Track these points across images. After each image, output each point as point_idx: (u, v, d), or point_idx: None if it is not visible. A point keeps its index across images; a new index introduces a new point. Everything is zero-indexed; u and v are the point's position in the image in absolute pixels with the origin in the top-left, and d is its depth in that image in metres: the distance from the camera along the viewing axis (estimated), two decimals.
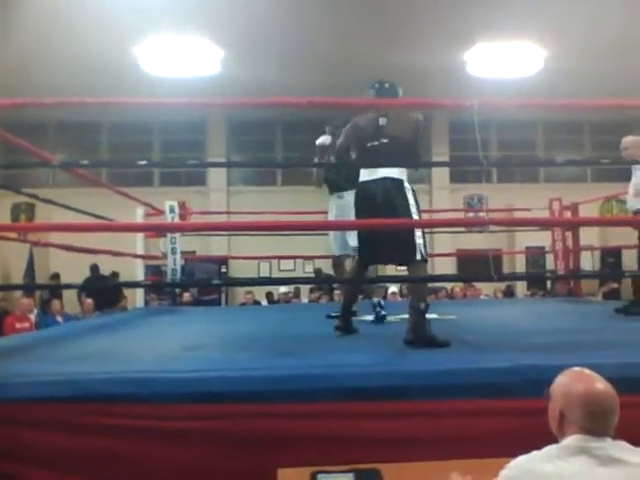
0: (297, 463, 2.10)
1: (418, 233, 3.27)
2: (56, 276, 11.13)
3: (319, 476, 1.99)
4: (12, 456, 2.22)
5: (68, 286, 10.84)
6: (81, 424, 2.25)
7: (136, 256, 6.59)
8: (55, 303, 8.59)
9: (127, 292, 9.59)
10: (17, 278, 11.34)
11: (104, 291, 9.63)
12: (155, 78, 9.79)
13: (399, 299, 8.76)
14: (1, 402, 2.26)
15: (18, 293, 9.87)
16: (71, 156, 12.04)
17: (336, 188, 4.80)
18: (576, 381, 1.69)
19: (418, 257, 3.25)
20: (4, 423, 2.24)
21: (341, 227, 4.61)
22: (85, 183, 9.22)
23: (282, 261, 11.36)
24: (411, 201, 3.33)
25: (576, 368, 1.75)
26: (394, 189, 3.32)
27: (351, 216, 3.71)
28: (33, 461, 2.22)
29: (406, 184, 3.36)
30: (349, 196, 3.99)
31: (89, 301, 8.84)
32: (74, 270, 10.96)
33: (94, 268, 11.01)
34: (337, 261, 4.98)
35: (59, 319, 8.20)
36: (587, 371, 1.72)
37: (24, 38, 8.44)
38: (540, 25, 8.72)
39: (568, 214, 6.71)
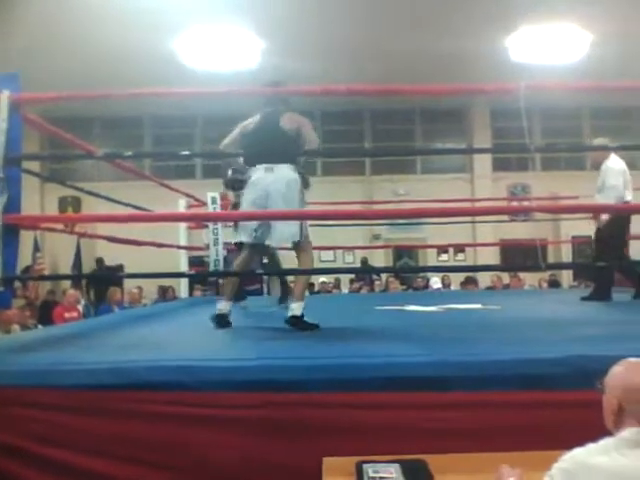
0: (342, 452, 2.08)
1: None
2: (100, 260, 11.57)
3: (364, 466, 1.97)
4: (55, 442, 2.25)
5: (130, 275, 11.09)
6: (126, 411, 2.27)
7: (179, 247, 6.67)
8: (114, 292, 8.28)
9: (172, 283, 9.78)
10: (64, 270, 11.63)
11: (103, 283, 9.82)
12: (195, 71, 9.85)
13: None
14: (48, 389, 2.31)
15: (65, 284, 10.13)
16: (115, 150, 12.28)
17: None
18: (635, 372, 1.62)
19: None
20: (49, 409, 2.28)
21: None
22: (129, 177, 9.39)
23: (322, 252, 11.36)
24: None
25: (632, 359, 1.68)
26: None
27: None
28: (76, 447, 2.25)
29: None
30: None
31: (135, 291, 9.00)
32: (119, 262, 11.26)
33: (99, 261, 11.58)
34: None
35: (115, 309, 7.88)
36: None
37: (66, 35, 8.61)
38: (586, 6, 8.42)
39: None
